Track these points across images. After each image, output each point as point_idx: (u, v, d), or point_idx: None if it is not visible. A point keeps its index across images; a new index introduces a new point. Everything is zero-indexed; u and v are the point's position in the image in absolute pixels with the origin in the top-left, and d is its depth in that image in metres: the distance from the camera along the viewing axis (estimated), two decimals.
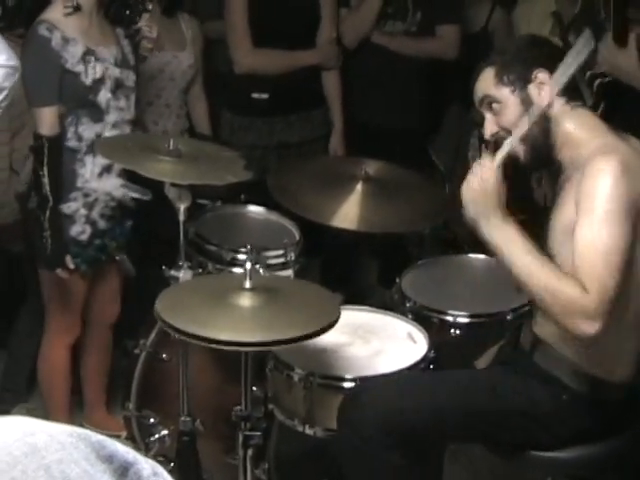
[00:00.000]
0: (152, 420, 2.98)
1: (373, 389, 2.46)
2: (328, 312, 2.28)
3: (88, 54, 3.05)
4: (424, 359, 2.60)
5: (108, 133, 3.12)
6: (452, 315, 2.80)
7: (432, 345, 2.66)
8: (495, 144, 2.40)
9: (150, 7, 3.28)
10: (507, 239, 2.23)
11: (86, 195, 3.14)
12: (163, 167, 2.71)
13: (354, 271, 4.33)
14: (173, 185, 2.73)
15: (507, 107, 2.36)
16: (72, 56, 3.02)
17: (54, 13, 3.02)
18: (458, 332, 2.80)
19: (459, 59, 4.05)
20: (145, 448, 2.97)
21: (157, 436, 2.96)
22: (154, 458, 2.71)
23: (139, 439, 3.04)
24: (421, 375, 2.57)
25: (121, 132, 3.15)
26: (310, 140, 3.99)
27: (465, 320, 2.79)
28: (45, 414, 3.35)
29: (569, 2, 3.63)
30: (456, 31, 4.09)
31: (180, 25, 3.77)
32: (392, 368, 2.57)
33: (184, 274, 2.75)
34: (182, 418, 2.78)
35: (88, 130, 3.10)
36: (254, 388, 2.60)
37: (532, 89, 2.33)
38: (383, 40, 4.06)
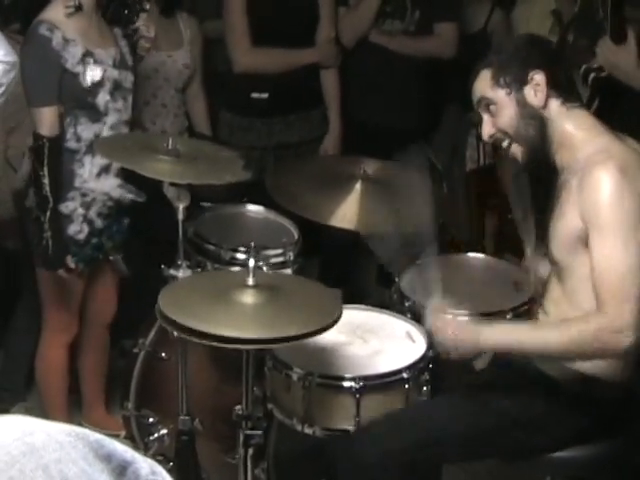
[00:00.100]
0: (151, 419, 2.98)
1: (368, 431, 2.47)
2: (330, 310, 2.28)
3: (87, 56, 3.04)
4: (423, 358, 2.60)
5: (106, 134, 3.12)
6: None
7: (431, 344, 2.66)
8: (494, 145, 2.42)
9: (148, 7, 3.28)
10: (507, 337, 2.33)
11: (84, 195, 3.14)
12: (162, 166, 2.71)
13: (353, 270, 4.32)
14: (172, 184, 2.73)
15: (503, 109, 2.36)
16: (72, 57, 3.01)
17: (54, 13, 3.02)
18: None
19: (457, 58, 4.05)
20: (144, 447, 2.98)
21: (156, 435, 2.96)
22: (153, 457, 2.70)
23: (138, 438, 3.04)
24: (413, 408, 2.57)
25: (119, 133, 3.15)
26: (309, 140, 3.99)
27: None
28: (43, 413, 3.35)
29: (569, 1, 3.63)
30: (454, 29, 4.09)
31: (178, 24, 3.77)
32: (391, 367, 2.56)
33: (183, 273, 2.75)
34: (181, 417, 2.78)
35: (87, 131, 3.09)
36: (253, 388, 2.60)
37: (528, 90, 2.33)
38: (381, 39, 4.06)
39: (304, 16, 3.88)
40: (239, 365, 2.48)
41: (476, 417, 2.44)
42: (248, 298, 2.26)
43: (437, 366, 2.62)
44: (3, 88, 2.71)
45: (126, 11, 3.19)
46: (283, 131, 3.93)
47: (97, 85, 3.07)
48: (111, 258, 3.26)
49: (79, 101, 3.07)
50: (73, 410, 3.54)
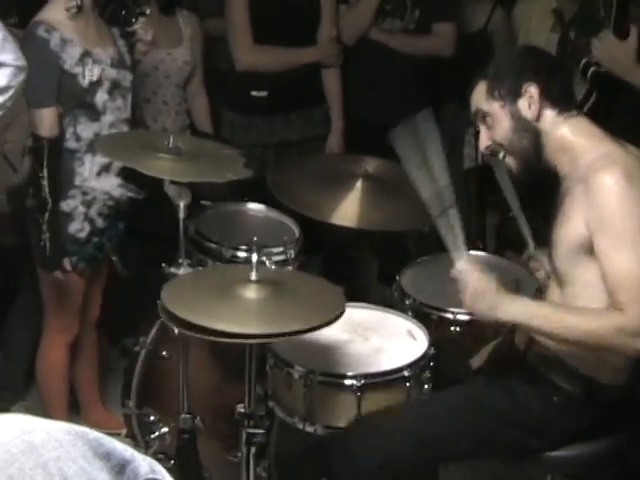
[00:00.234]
0: (152, 418, 2.98)
1: (360, 435, 2.47)
2: (333, 305, 2.28)
3: (85, 56, 3.04)
4: (424, 356, 2.60)
5: (106, 132, 3.12)
6: (452, 312, 2.80)
7: (432, 342, 2.66)
8: (491, 155, 2.42)
9: (148, 12, 3.27)
10: (526, 311, 2.28)
11: (84, 193, 3.14)
12: (163, 165, 2.71)
13: (354, 268, 4.32)
14: (173, 183, 2.73)
15: (498, 122, 2.36)
16: (70, 57, 3.01)
17: (52, 13, 3.01)
18: (458, 329, 2.80)
19: (456, 57, 4.06)
20: (145, 446, 2.97)
21: (157, 434, 2.96)
22: (154, 456, 2.72)
23: (139, 437, 3.04)
24: (406, 410, 2.57)
25: (118, 131, 3.15)
26: (311, 138, 3.99)
27: (465, 317, 2.79)
28: (43, 412, 3.35)
29: None
30: (452, 29, 4.10)
31: (178, 22, 3.77)
32: (392, 365, 2.57)
33: (184, 272, 2.75)
34: (182, 416, 2.78)
35: (86, 130, 3.09)
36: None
37: (522, 103, 2.33)
38: (381, 37, 4.07)
39: (306, 15, 3.89)
40: (240, 363, 2.48)
41: (464, 416, 2.43)
42: (251, 293, 2.26)
43: (437, 364, 2.63)
44: (12, 91, 2.71)
45: (124, 12, 3.18)
46: (284, 129, 3.93)
47: (95, 84, 3.06)
48: (114, 259, 3.25)
49: (78, 101, 3.06)
50: (73, 409, 3.54)
